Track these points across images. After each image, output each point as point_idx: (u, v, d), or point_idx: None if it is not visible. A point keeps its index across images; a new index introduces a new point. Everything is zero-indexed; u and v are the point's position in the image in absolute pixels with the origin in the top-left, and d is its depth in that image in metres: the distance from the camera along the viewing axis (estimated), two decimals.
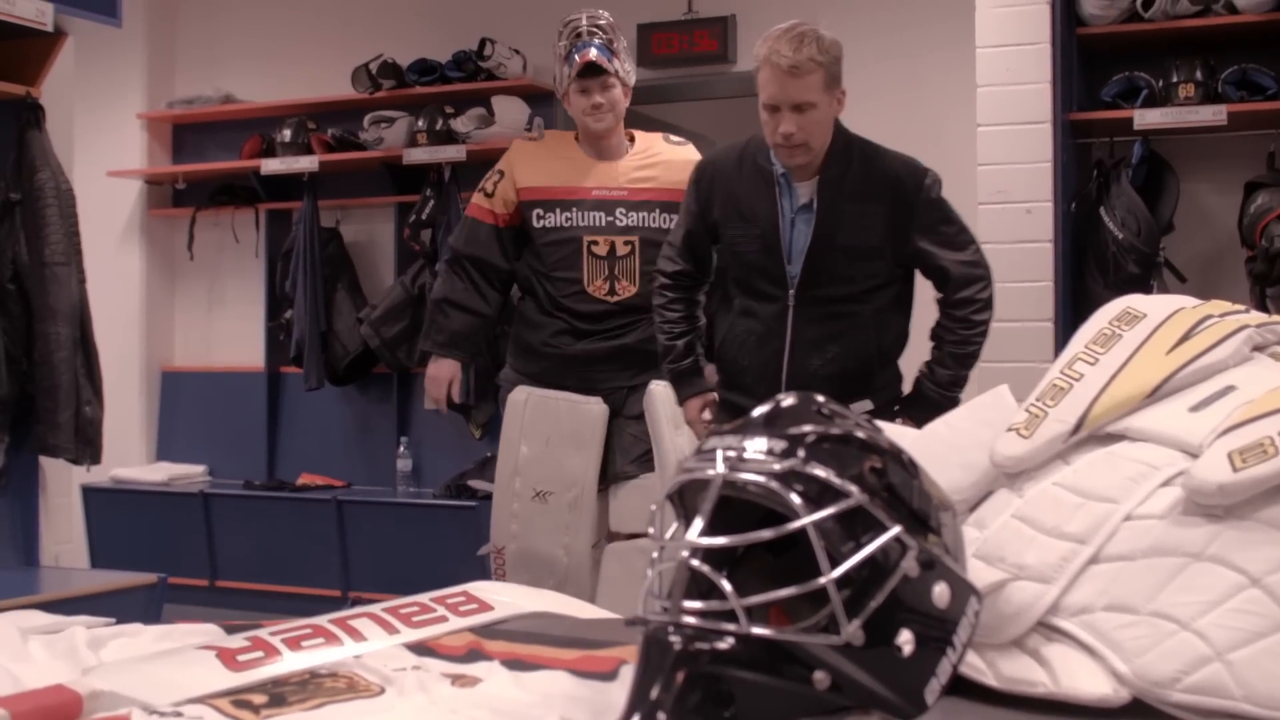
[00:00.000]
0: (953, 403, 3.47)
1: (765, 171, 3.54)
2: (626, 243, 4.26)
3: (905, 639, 1.43)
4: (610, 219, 4.26)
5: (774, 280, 3.52)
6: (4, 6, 4.08)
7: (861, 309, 3.50)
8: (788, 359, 3.49)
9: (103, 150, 7.11)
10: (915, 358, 3.67)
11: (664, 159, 4.37)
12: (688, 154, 4.37)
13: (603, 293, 4.23)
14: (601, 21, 4.27)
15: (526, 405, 4.24)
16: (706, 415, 3.74)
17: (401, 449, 6.89)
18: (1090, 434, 1.82)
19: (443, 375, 4.40)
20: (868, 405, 3.50)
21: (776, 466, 1.42)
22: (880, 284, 3.52)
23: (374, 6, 7.20)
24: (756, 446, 1.45)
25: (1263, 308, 4.71)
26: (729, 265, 3.66)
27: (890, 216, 3.48)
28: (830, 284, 3.48)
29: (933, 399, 3.53)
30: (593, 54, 4.20)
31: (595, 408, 4.22)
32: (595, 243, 4.26)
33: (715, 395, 3.74)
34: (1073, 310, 4.97)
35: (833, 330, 3.48)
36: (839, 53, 3.43)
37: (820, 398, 1.55)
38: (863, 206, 3.47)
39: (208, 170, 7.36)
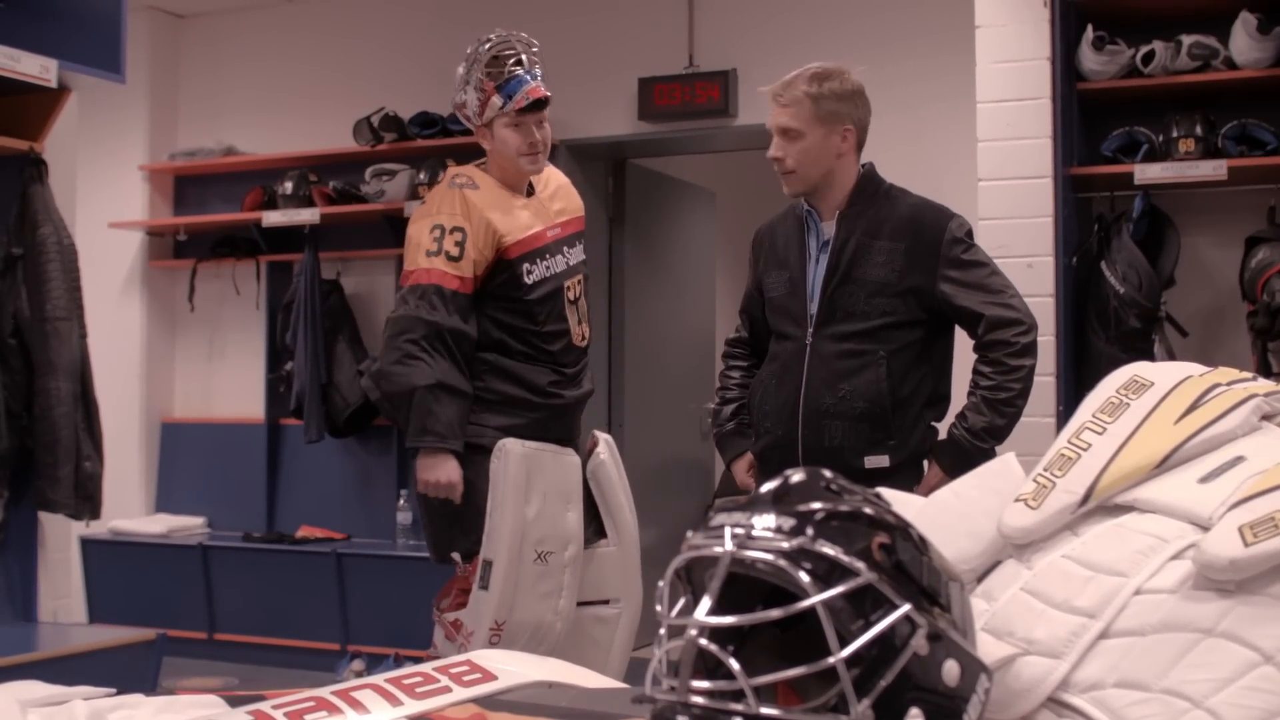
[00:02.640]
0: (985, 454, 3.36)
1: (798, 216, 3.65)
2: (579, 281, 3.99)
3: (915, 717, 1.41)
4: (566, 260, 3.95)
5: (796, 320, 3.57)
6: (8, 64, 4.10)
7: (876, 348, 3.47)
8: (803, 397, 3.50)
9: (104, 201, 7.14)
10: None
11: (558, 183, 4.07)
12: (560, 172, 4.15)
13: (579, 339, 3.97)
14: (536, 46, 3.87)
15: (524, 459, 3.78)
16: (752, 475, 3.76)
17: (401, 501, 6.87)
18: (1099, 505, 1.81)
19: (454, 476, 3.74)
20: (884, 462, 3.46)
21: (785, 544, 1.41)
22: (896, 323, 3.49)
23: (375, 60, 7.23)
24: (764, 523, 1.44)
25: (1264, 362, 4.71)
26: (769, 320, 3.72)
27: (909, 255, 3.49)
28: (846, 319, 3.49)
29: (963, 446, 3.46)
30: (542, 88, 3.80)
31: (575, 458, 3.94)
32: (569, 287, 3.94)
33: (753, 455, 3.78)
34: (1074, 365, 4.98)
35: (845, 368, 3.47)
36: (845, 91, 3.54)
37: (828, 473, 1.54)
38: (880, 242, 3.51)
39: (209, 222, 7.38)
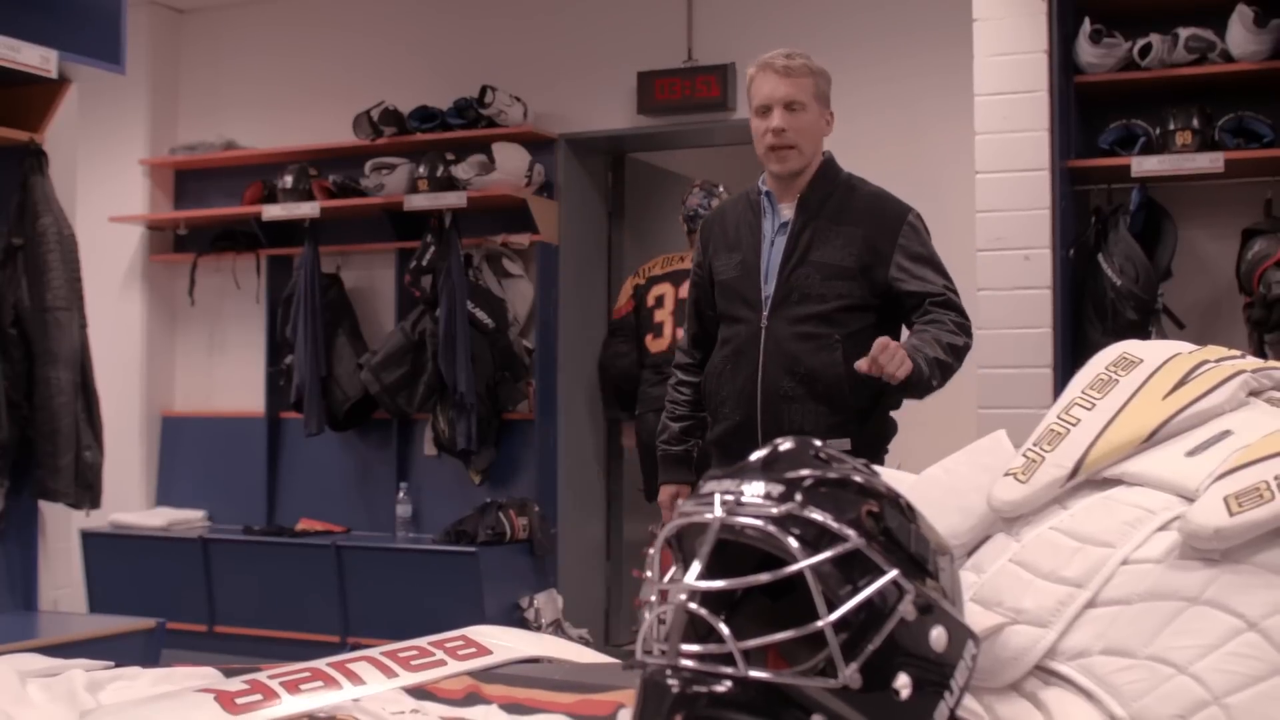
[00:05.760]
0: (925, 378, 3.24)
1: (754, 201, 3.62)
2: None
3: (903, 682, 1.43)
4: None
5: (750, 303, 3.53)
6: (9, 54, 4.11)
7: (832, 331, 3.43)
8: (761, 381, 3.46)
9: (105, 196, 7.14)
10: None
11: None
12: None
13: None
14: None
15: None
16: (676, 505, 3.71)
17: (401, 495, 6.87)
18: (1087, 478, 1.82)
19: None
20: (846, 445, 3.39)
21: (774, 510, 1.42)
22: (852, 306, 3.46)
23: (375, 54, 7.24)
24: (754, 490, 1.45)
25: (1260, 353, 4.72)
26: (719, 304, 3.67)
27: (866, 240, 3.47)
28: (802, 302, 3.46)
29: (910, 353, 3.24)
30: None
31: None
32: None
33: (689, 489, 3.68)
34: (1071, 356, 4.97)
35: (802, 350, 3.44)
36: (828, 78, 3.58)
37: (818, 442, 1.55)
38: (839, 228, 3.49)
39: (209, 216, 7.39)
